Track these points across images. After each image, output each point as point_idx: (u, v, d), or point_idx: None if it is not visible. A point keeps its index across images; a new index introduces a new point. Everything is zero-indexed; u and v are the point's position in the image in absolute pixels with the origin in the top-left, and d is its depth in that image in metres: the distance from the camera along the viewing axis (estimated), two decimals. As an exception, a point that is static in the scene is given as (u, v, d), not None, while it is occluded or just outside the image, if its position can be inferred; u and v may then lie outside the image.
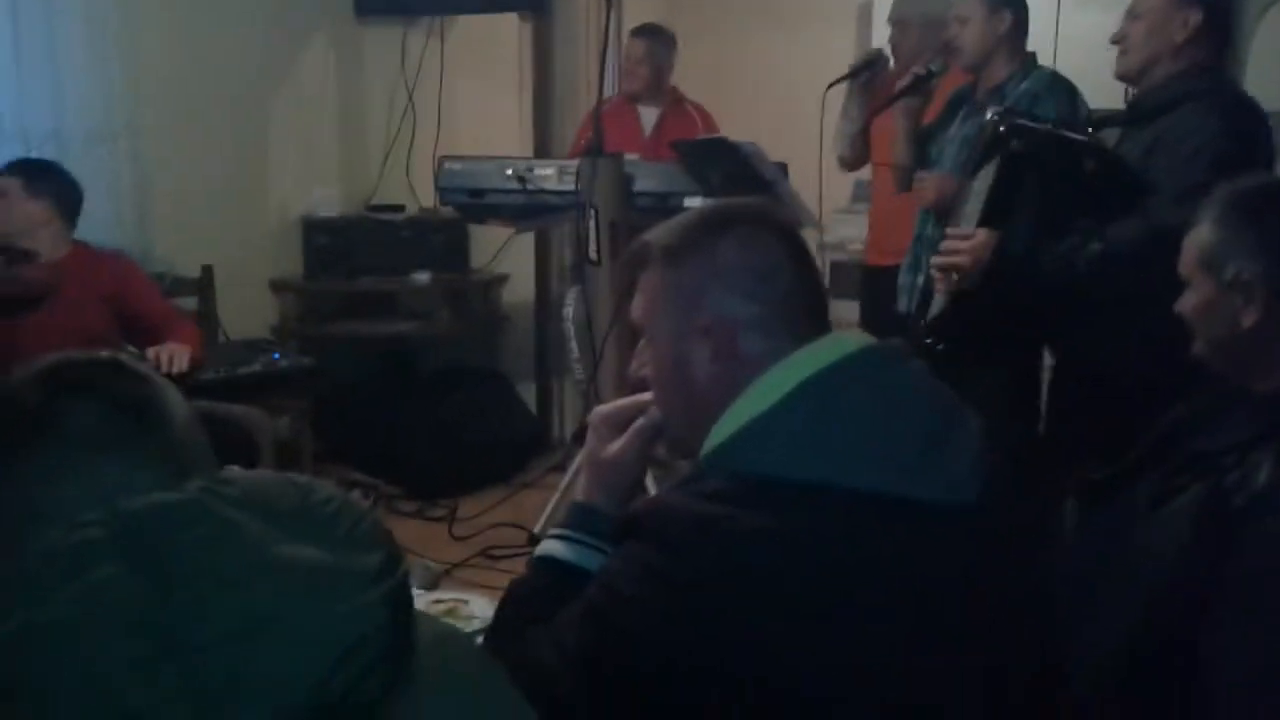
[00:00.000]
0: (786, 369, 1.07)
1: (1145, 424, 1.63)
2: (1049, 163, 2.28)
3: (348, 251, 4.25)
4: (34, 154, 3.28)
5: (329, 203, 4.35)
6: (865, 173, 3.69)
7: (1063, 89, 2.68)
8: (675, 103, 4.05)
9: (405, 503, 3.87)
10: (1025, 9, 2.77)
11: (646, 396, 1.21)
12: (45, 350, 0.91)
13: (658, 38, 4.03)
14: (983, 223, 2.31)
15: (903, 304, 2.90)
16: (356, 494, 3.82)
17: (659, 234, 1.18)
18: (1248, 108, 2.30)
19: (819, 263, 4.02)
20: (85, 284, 2.99)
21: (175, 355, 2.98)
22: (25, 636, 0.65)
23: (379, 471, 4.00)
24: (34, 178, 3.00)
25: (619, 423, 1.23)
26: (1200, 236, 1.54)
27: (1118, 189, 2.24)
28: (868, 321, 3.41)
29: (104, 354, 0.91)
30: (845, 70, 3.28)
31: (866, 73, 3.27)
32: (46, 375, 0.87)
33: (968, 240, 2.31)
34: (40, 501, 0.80)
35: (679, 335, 1.13)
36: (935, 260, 2.42)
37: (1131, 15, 2.38)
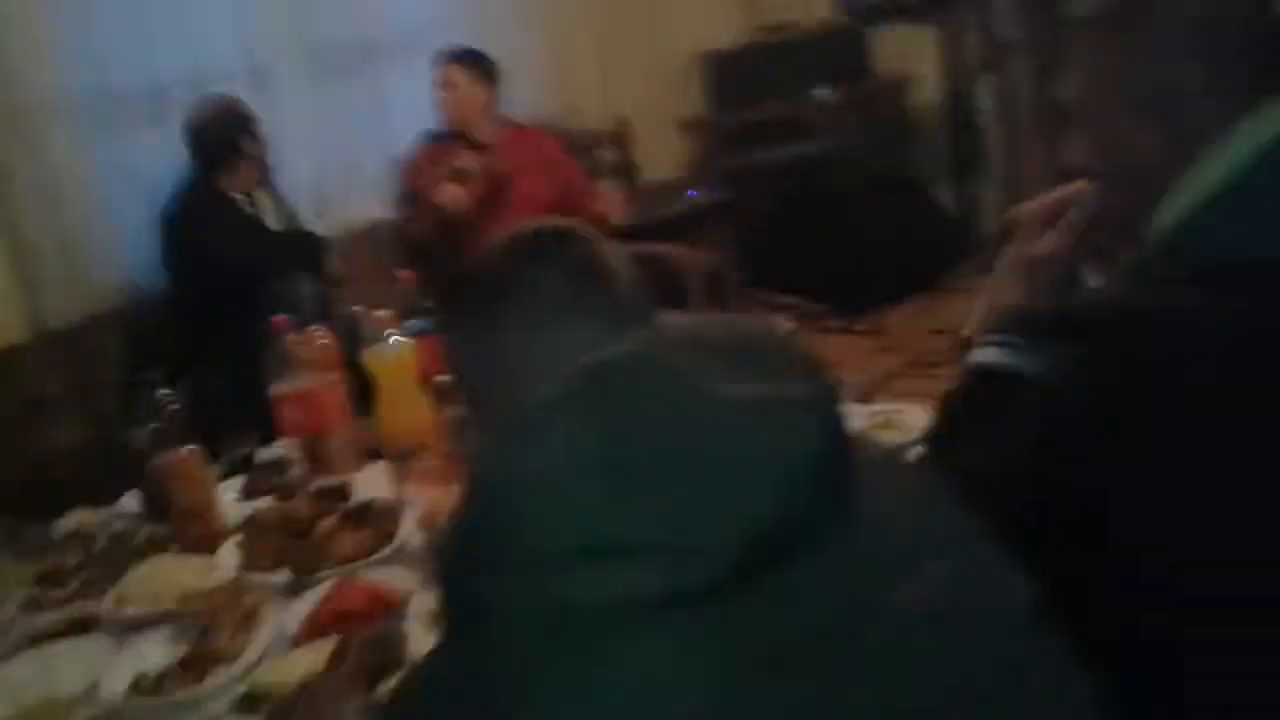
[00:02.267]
0: (1244, 137, 0.94)
1: None
2: None
3: (749, 78, 4.26)
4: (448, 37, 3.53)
5: (725, 33, 4.36)
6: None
7: None
8: None
9: (831, 320, 3.93)
10: None
11: (1077, 186, 1.13)
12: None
13: None
14: None
15: None
16: (783, 317, 3.93)
17: (1087, 3, 1.07)
18: None
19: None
20: (523, 158, 3.22)
21: (615, 203, 3.22)
22: (510, 483, 0.75)
23: (802, 292, 4.07)
24: (476, 64, 3.22)
25: (1048, 218, 1.15)
26: None
27: None
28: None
29: (554, 223, 1.00)
30: None
31: None
32: (511, 248, 0.97)
33: None
34: (514, 360, 0.91)
35: (1117, 113, 1.04)
36: None
37: None
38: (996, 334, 1.17)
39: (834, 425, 0.77)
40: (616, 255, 0.97)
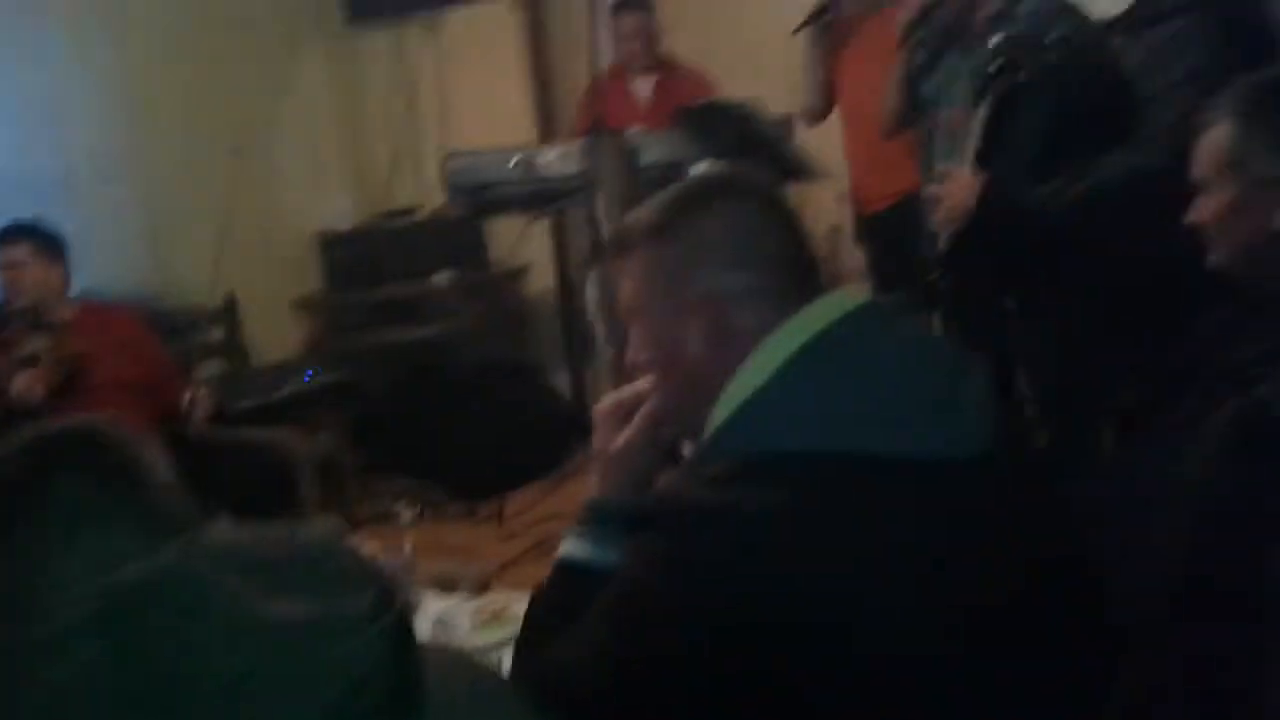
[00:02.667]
0: (780, 339, 1.04)
1: (1169, 347, 1.59)
2: (1050, 93, 2.22)
3: (366, 261, 4.26)
4: (40, 204, 3.27)
5: (342, 214, 4.36)
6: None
7: (1071, 7, 2.51)
8: (669, 69, 4.00)
9: (452, 505, 3.89)
10: None
11: (645, 382, 1.19)
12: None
13: (642, 8, 3.98)
14: (978, 159, 2.26)
15: None
16: (402, 504, 3.83)
17: (639, 216, 1.15)
18: (1254, 27, 2.12)
19: (844, 215, 3.87)
20: (103, 339, 2.98)
21: (202, 399, 3.02)
22: None
23: (423, 477, 4.01)
24: (45, 242, 2.97)
25: (622, 414, 1.20)
26: (1219, 136, 1.47)
27: (1121, 114, 2.17)
28: (879, 270, 3.37)
29: (83, 423, 0.90)
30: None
31: (822, 17, 3.21)
32: (29, 450, 0.86)
33: (952, 183, 2.28)
34: (27, 581, 0.79)
35: (670, 316, 1.11)
36: (928, 198, 2.40)
37: None
38: (580, 526, 1.20)
39: (391, 640, 0.73)
40: (155, 460, 0.89)
